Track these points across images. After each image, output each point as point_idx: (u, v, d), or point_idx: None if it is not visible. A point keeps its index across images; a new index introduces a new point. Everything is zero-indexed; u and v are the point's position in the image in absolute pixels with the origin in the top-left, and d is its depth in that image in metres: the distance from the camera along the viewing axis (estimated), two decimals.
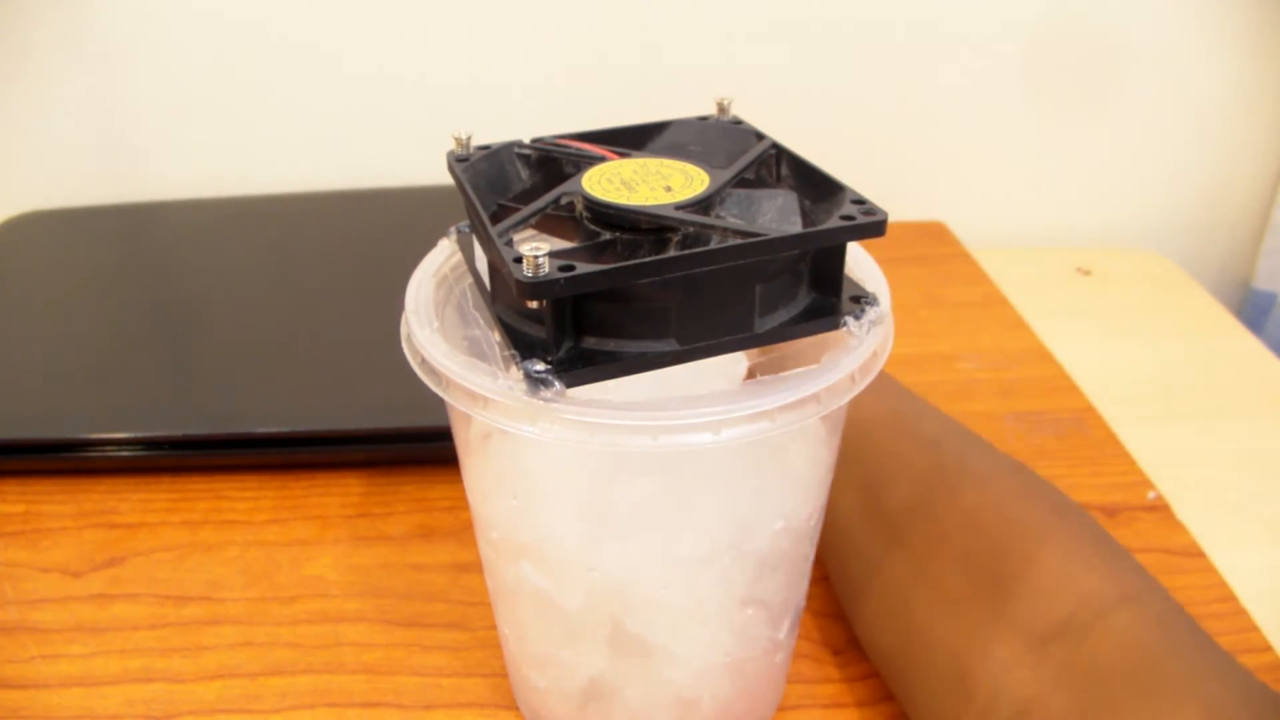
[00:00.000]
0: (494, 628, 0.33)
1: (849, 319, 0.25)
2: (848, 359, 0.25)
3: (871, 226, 0.24)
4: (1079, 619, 0.27)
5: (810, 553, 0.30)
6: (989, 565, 0.29)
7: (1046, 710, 0.26)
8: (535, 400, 0.23)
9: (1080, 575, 0.28)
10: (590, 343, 0.24)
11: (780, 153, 0.28)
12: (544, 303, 0.23)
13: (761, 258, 0.23)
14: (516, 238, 0.24)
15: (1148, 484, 0.44)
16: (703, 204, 0.25)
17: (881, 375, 0.37)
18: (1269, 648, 0.36)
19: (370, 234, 0.60)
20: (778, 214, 0.26)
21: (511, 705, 0.34)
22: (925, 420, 0.36)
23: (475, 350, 0.26)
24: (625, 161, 0.27)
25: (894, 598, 0.32)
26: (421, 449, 0.44)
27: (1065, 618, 0.27)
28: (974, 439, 0.35)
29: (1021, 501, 0.31)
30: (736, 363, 0.29)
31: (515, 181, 0.29)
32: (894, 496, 0.33)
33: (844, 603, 0.35)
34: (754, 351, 0.28)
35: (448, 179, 0.28)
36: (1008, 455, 0.34)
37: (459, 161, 0.28)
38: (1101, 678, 0.26)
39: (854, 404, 0.35)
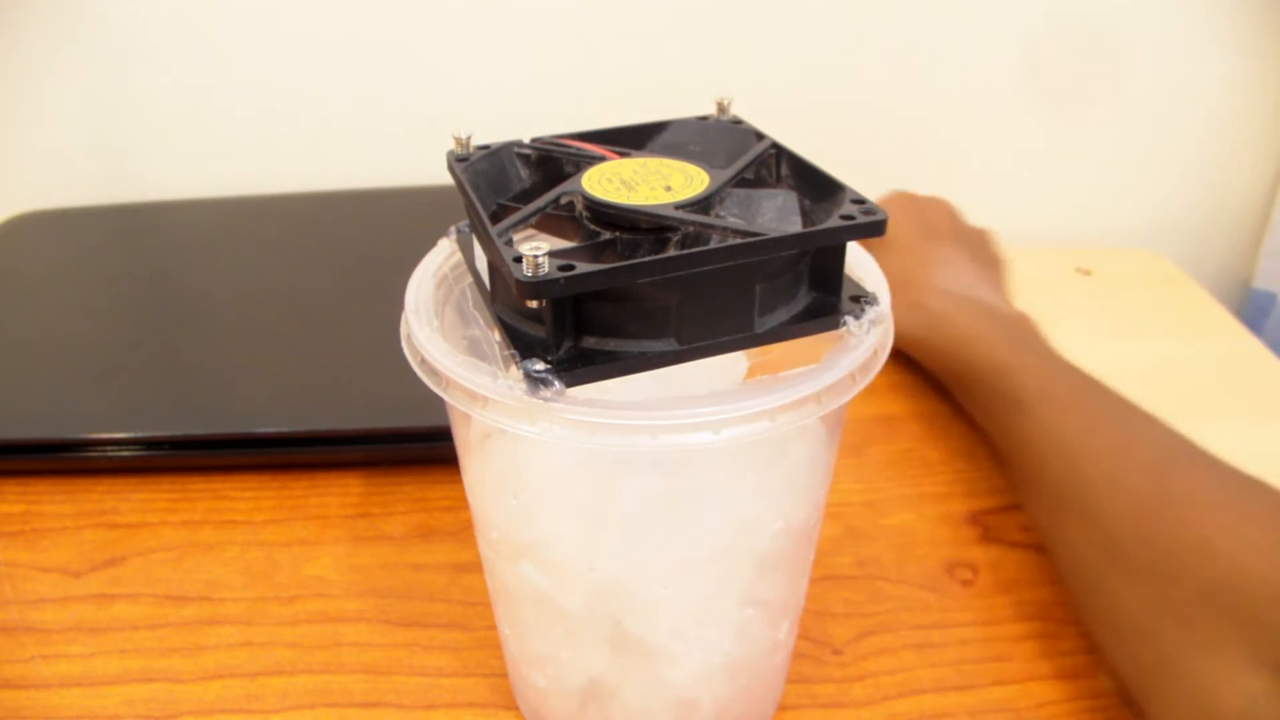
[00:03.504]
0: (494, 628, 0.33)
1: (849, 319, 0.25)
2: (847, 359, 0.25)
3: (871, 226, 0.24)
4: None
5: (810, 552, 0.30)
6: (1234, 594, 0.29)
7: None
8: (535, 400, 0.23)
9: None
10: (590, 342, 0.24)
11: (780, 152, 0.28)
12: (544, 302, 0.23)
13: (761, 257, 0.23)
14: (516, 237, 0.24)
15: None
16: (702, 204, 0.25)
17: (1100, 392, 0.38)
18: None
19: (370, 234, 0.60)
20: (778, 214, 0.26)
21: (511, 705, 0.34)
22: (1149, 446, 0.35)
23: (475, 350, 0.26)
24: (625, 161, 0.27)
25: (1135, 626, 0.32)
26: (421, 449, 0.44)
27: None
28: (1199, 461, 0.34)
29: (1261, 527, 0.30)
30: (736, 363, 0.29)
31: (515, 181, 0.29)
32: (1122, 524, 0.33)
33: (1085, 623, 0.36)
34: (754, 351, 0.28)
35: (448, 179, 0.28)
36: (1237, 469, 0.34)
37: (459, 161, 0.28)
38: None
39: (1064, 436, 0.37)
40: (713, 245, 0.23)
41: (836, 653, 0.36)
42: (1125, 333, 0.59)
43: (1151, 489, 0.33)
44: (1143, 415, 0.38)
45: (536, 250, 0.22)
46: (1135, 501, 0.33)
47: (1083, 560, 0.35)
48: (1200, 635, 0.29)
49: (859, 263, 0.28)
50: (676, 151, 0.29)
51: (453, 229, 0.30)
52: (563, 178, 0.27)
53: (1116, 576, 0.33)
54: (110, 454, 0.44)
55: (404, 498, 0.44)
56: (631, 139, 0.30)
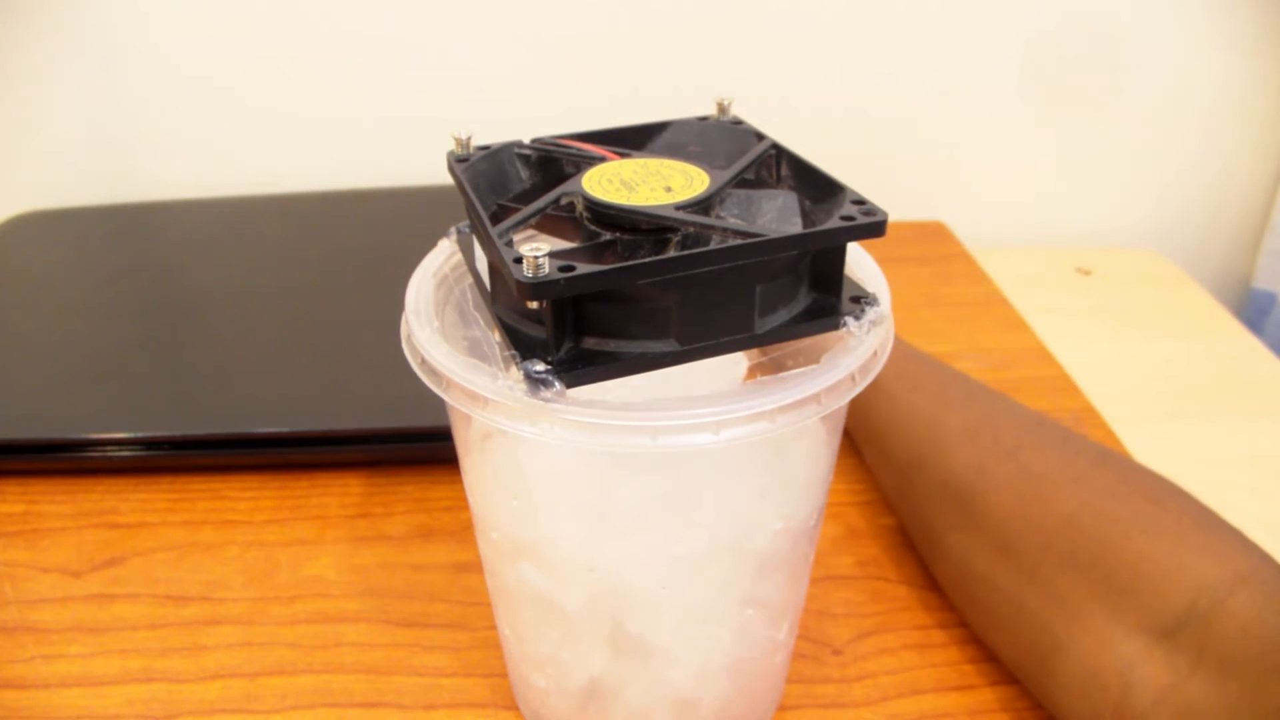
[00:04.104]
0: (494, 628, 0.33)
1: (849, 319, 0.25)
2: (848, 359, 0.25)
3: (871, 227, 0.24)
4: (1199, 607, 0.28)
5: (810, 553, 0.30)
6: (1099, 567, 0.30)
7: (1187, 696, 0.27)
8: (535, 401, 0.23)
9: (1191, 562, 0.29)
10: (590, 343, 0.24)
11: (780, 153, 0.28)
12: (544, 303, 0.23)
13: (761, 258, 0.23)
14: (516, 238, 0.24)
15: None
16: (703, 204, 0.25)
17: (950, 374, 0.39)
18: None
19: (370, 234, 0.60)
20: (778, 214, 0.26)
21: (511, 705, 0.34)
22: (1001, 424, 0.36)
23: (475, 350, 0.26)
24: (625, 162, 0.27)
25: (1008, 605, 0.33)
26: (421, 449, 0.44)
27: (1186, 608, 0.28)
28: (1049, 436, 0.35)
29: (1116, 499, 0.31)
30: (736, 363, 0.29)
31: (515, 182, 0.29)
32: (989, 509, 0.34)
33: (959, 611, 0.37)
34: (754, 351, 0.28)
35: (448, 179, 0.28)
36: (1087, 442, 0.35)
37: (459, 162, 0.28)
38: (1234, 660, 0.27)
39: (918, 414, 0.37)
40: (713, 246, 0.23)
41: (836, 653, 0.36)
42: (1125, 333, 0.59)
43: (1010, 469, 0.34)
44: (988, 391, 0.38)
45: (537, 251, 0.22)
46: (994, 482, 0.34)
47: (949, 542, 0.35)
48: (1072, 607, 0.30)
49: (859, 263, 0.28)
50: (677, 152, 0.29)
51: (453, 229, 0.30)
52: (563, 178, 0.27)
53: (985, 556, 0.34)
54: (110, 454, 0.44)
55: (404, 498, 0.44)
56: (632, 139, 0.30)
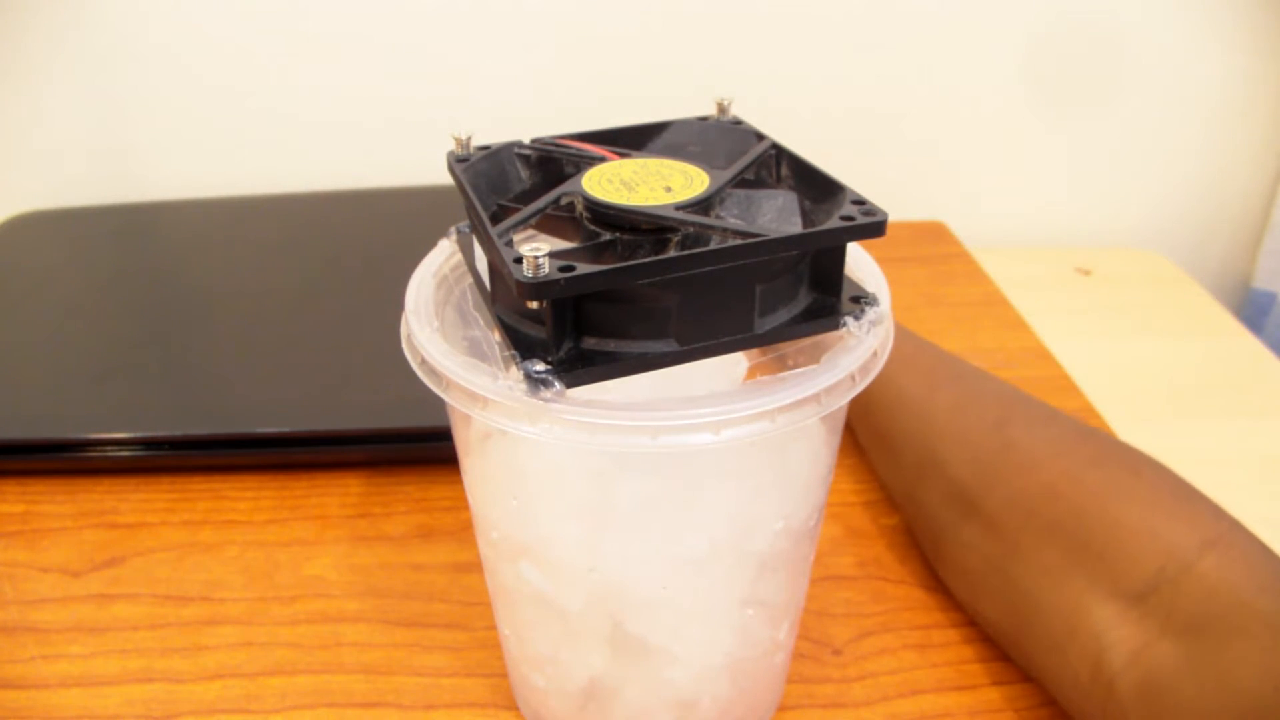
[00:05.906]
0: (494, 628, 0.33)
1: (849, 319, 0.25)
2: (848, 359, 0.25)
3: (871, 227, 0.24)
4: (1169, 572, 0.28)
5: (810, 552, 0.30)
6: (1077, 534, 0.31)
7: (1154, 658, 0.28)
8: (535, 400, 0.23)
9: (1162, 529, 0.29)
10: (590, 343, 0.24)
11: (780, 153, 0.28)
12: (544, 303, 0.23)
13: (761, 258, 0.23)
14: (516, 238, 0.24)
15: None
16: (703, 204, 0.25)
17: (939, 353, 0.40)
18: None
19: (370, 234, 0.60)
20: (778, 214, 0.26)
21: (511, 705, 0.34)
22: (987, 400, 0.37)
23: (475, 350, 0.26)
24: (625, 162, 0.27)
25: (994, 574, 0.34)
26: (421, 449, 0.44)
27: (1156, 573, 0.29)
28: (1035, 412, 0.36)
29: (1095, 468, 0.32)
30: (736, 363, 0.29)
31: (515, 182, 0.29)
32: (975, 480, 0.35)
33: (943, 579, 0.38)
34: (754, 351, 0.28)
35: (448, 179, 0.28)
36: (1070, 419, 0.36)
37: (459, 162, 0.28)
38: (1199, 622, 0.27)
39: (908, 392, 0.39)
40: (713, 246, 0.23)
41: (836, 653, 0.36)
42: (1125, 333, 0.59)
43: (994, 441, 0.35)
44: (976, 371, 0.39)
45: (537, 251, 0.22)
46: (980, 453, 0.35)
47: (937, 515, 0.36)
48: (1052, 574, 0.31)
49: (859, 263, 0.28)
50: (676, 152, 0.29)
51: (453, 229, 0.30)
52: (563, 178, 0.27)
53: (970, 527, 0.35)
54: (110, 454, 0.44)
55: (404, 498, 0.44)
56: (631, 140, 0.30)
